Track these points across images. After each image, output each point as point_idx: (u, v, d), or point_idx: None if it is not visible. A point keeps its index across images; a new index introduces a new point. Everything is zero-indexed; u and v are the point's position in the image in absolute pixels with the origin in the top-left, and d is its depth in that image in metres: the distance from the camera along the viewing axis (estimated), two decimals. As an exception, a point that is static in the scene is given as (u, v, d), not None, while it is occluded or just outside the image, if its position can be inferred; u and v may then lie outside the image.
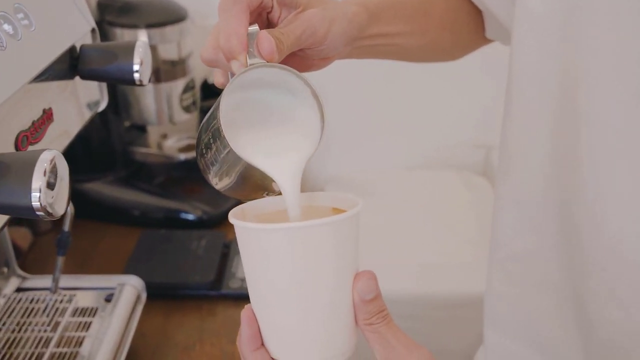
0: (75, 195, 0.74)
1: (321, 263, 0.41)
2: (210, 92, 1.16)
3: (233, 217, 0.44)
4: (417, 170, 1.41)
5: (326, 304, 0.42)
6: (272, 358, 0.44)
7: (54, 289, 0.68)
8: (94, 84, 0.62)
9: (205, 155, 0.48)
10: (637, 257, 0.47)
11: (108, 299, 0.72)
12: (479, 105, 1.42)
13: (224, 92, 0.44)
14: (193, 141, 1.12)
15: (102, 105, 0.64)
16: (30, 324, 0.66)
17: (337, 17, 0.50)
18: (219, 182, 0.49)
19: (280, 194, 0.46)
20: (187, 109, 1.03)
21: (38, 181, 0.35)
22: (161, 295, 0.85)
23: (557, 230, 0.55)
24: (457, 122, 1.44)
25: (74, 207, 0.69)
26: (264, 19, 0.51)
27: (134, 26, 0.95)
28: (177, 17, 0.98)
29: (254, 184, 0.47)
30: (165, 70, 1.00)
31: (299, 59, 0.51)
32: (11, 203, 0.35)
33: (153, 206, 1.03)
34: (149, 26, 0.96)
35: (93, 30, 0.61)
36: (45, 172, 0.36)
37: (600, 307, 0.50)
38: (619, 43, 0.46)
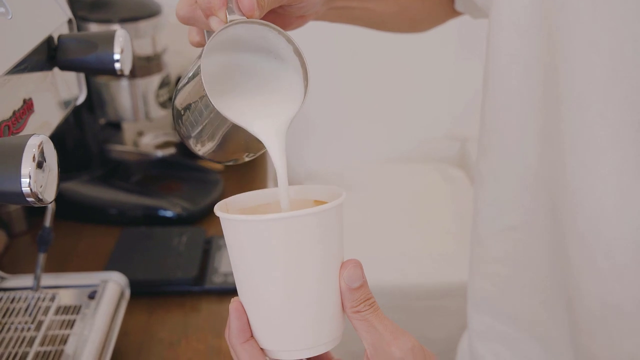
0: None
1: (308, 253, 0.42)
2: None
3: (219, 209, 0.44)
4: (395, 163, 1.42)
5: (314, 293, 0.42)
6: (261, 348, 0.44)
7: (35, 287, 0.66)
8: (72, 77, 0.61)
9: (186, 120, 0.47)
10: (614, 229, 0.48)
11: (91, 296, 0.70)
12: (453, 99, 1.44)
13: (204, 51, 0.43)
14: (170, 138, 1.11)
15: (81, 98, 0.63)
16: (12, 323, 0.64)
17: None
18: (202, 147, 0.48)
19: (260, 153, 0.46)
20: (163, 105, 1.02)
21: (27, 166, 0.35)
22: (144, 293, 0.84)
23: (538, 206, 0.56)
24: (432, 115, 1.46)
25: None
26: None
27: (108, 21, 0.94)
28: (151, 12, 0.97)
29: (237, 146, 0.46)
30: (140, 66, 0.99)
31: (276, 17, 0.50)
32: (1, 189, 0.35)
33: (131, 204, 1.02)
34: (123, 21, 0.94)
35: (70, 21, 0.60)
36: (34, 157, 0.35)
37: (581, 279, 0.51)
38: (595, 20, 0.47)
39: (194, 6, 0.45)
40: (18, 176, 0.34)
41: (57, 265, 0.91)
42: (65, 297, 0.70)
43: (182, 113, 0.47)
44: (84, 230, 1.00)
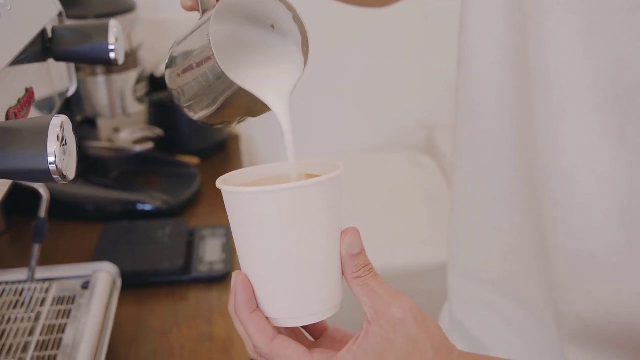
0: (30, 195, 0.73)
1: (313, 222, 0.43)
2: (158, 86, 1.16)
3: (222, 183, 0.46)
4: (366, 153, 1.46)
5: (320, 261, 0.44)
6: (266, 318, 0.45)
7: (30, 278, 0.67)
8: (63, 69, 0.62)
9: (186, 87, 0.48)
10: (586, 188, 0.51)
11: (85, 287, 0.71)
12: (421, 89, 1.48)
13: (212, 16, 0.43)
14: (147, 133, 1.11)
15: (72, 90, 0.64)
16: (12, 315, 0.65)
17: None
18: (200, 111, 0.49)
19: (258, 114, 0.48)
20: (140, 100, 1.03)
21: (53, 145, 0.36)
22: (132, 285, 0.85)
23: (516, 175, 0.60)
24: (401, 105, 1.50)
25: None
26: None
27: (83, 17, 0.94)
28: (125, 8, 0.98)
29: (238, 110, 0.48)
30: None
31: None
32: (27, 167, 0.36)
33: (111, 200, 1.02)
34: (98, 17, 0.95)
35: (60, 14, 0.61)
36: (58, 136, 0.37)
37: (557, 235, 0.55)
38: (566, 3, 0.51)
39: None
40: (44, 155, 0.36)
41: (41, 264, 0.91)
42: (59, 288, 0.71)
43: (181, 80, 0.48)
44: (64, 228, 1.00)
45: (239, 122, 0.51)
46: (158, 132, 1.11)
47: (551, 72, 0.52)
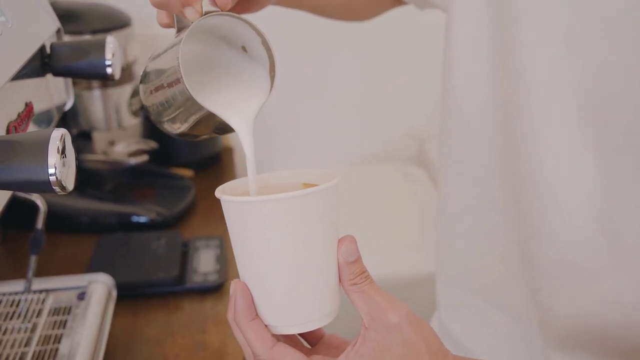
0: (25, 207, 0.74)
1: (312, 230, 0.45)
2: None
3: (221, 193, 0.47)
4: (358, 165, 1.47)
5: (318, 268, 0.45)
6: (265, 326, 0.46)
7: (27, 289, 0.68)
8: (60, 84, 0.64)
9: (158, 105, 0.49)
10: (567, 196, 0.53)
11: (81, 297, 0.73)
12: (410, 102, 1.51)
13: (183, 40, 0.45)
14: (142, 146, 1.13)
15: (69, 104, 0.66)
16: (8, 325, 0.66)
17: None
18: (173, 127, 0.50)
19: (228, 132, 0.50)
20: (135, 113, 1.04)
21: (53, 157, 0.38)
22: (127, 295, 0.86)
23: (500, 183, 0.61)
24: (392, 117, 1.52)
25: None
26: None
27: (79, 33, 0.96)
28: (121, 24, 1.00)
29: (208, 127, 0.49)
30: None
31: (238, 2, 0.52)
32: (28, 179, 0.37)
33: (106, 212, 1.03)
34: (94, 32, 0.97)
35: (58, 31, 0.62)
36: (58, 148, 0.38)
37: (540, 243, 0.56)
38: (545, 14, 0.53)
39: None
40: (45, 166, 0.37)
41: (38, 275, 0.92)
42: (55, 299, 0.72)
43: (154, 97, 0.49)
44: (60, 240, 1.01)
45: (216, 135, 0.53)
46: (153, 145, 1.13)
47: (532, 85, 0.54)
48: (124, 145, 1.10)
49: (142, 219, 1.03)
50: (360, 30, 1.43)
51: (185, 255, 0.94)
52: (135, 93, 1.04)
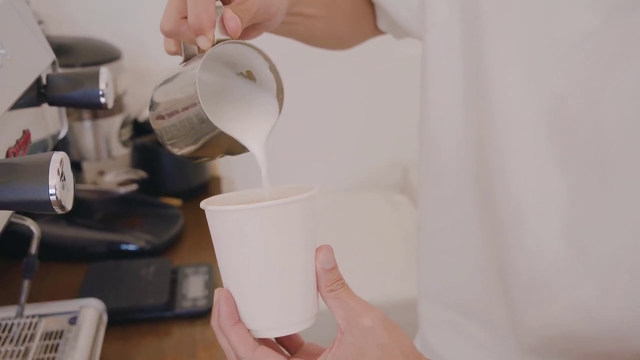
0: (13, 237, 0.76)
1: (293, 237, 0.47)
2: (142, 130, 1.20)
3: (207, 205, 0.49)
4: (342, 192, 1.50)
5: (298, 275, 0.48)
6: (248, 330, 0.48)
7: (19, 314, 0.69)
8: (55, 113, 0.67)
9: (170, 127, 0.51)
10: (536, 213, 0.57)
11: (72, 322, 0.74)
12: (393, 131, 1.55)
13: (199, 66, 0.47)
14: (131, 175, 1.15)
15: (62, 133, 0.68)
16: (1, 351, 0.67)
17: None
18: (184, 148, 0.52)
19: (237, 154, 0.52)
20: (125, 143, 1.07)
21: (54, 178, 0.40)
22: (117, 321, 0.87)
23: (474, 204, 0.65)
24: (375, 147, 1.56)
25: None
26: None
27: (71, 65, 0.99)
28: (111, 57, 1.03)
29: (219, 149, 0.52)
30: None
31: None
32: (30, 199, 0.40)
33: (96, 240, 1.05)
34: (85, 65, 1.00)
35: (53, 63, 0.65)
36: (58, 170, 0.41)
37: (512, 261, 0.59)
38: (512, 43, 0.57)
39: (180, 22, 0.49)
40: (46, 187, 0.40)
41: (28, 302, 0.93)
42: (47, 324, 0.73)
43: (165, 121, 0.52)
44: (49, 269, 1.02)
45: (219, 158, 0.56)
46: (142, 174, 1.15)
47: (501, 110, 0.58)
48: (113, 175, 1.12)
49: (132, 247, 1.04)
50: (346, 62, 1.47)
51: (174, 282, 0.96)
52: (125, 124, 1.07)
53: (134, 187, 1.09)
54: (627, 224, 0.51)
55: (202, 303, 0.91)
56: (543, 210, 0.56)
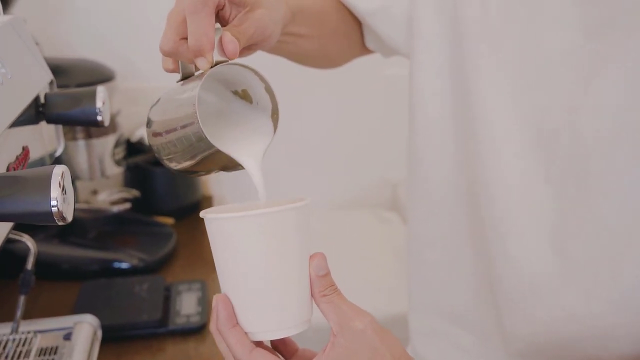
0: (9, 255, 0.76)
1: (288, 244, 0.49)
2: (135, 150, 1.22)
3: (207, 214, 0.51)
4: (335, 210, 1.52)
5: (293, 280, 0.50)
6: (245, 333, 0.50)
7: (15, 329, 0.70)
8: (52, 131, 0.68)
9: (167, 144, 0.53)
10: (521, 222, 0.59)
11: (67, 338, 0.75)
12: (383, 149, 1.57)
13: (199, 87, 0.49)
14: (124, 194, 1.16)
15: (59, 150, 0.70)
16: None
17: (279, 18, 0.57)
18: (180, 164, 0.54)
19: (232, 170, 0.54)
20: (118, 163, 1.08)
21: (55, 191, 0.42)
22: (111, 338, 0.88)
23: (462, 216, 0.67)
24: (366, 166, 1.58)
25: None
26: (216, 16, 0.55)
27: (65, 86, 1.00)
28: (105, 78, 1.05)
29: (214, 165, 0.53)
30: (96, 128, 1.05)
31: None
32: (32, 210, 0.41)
33: (89, 259, 1.06)
34: (79, 86, 1.01)
35: (51, 82, 0.67)
36: (59, 183, 0.42)
37: (499, 269, 0.61)
38: (496, 60, 0.59)
39: (179, 43, 0.51)
40: (48, 199, 0.41)
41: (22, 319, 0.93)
42: (42, 340, 0.74)
43: (163, 138, 0.53)
44: (42, 287, 1.03)
45: (215, 173, 0.57)
46: (135, 193, 1.16)
47: (487, 123, 0.60)
48: (106, 194, 1.13)
49: (125, 265, 1.05)
50: (336, 83, 1.50)
51: (167, 299, 0.97)
52: (118, 143, 1.08)
53: (127, 205, 1.10)
54: (607, 232, 0.53)
55: (195, 319, 0.92)
56: (528, 220, 0.58)
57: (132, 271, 1.04)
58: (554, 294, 0.57)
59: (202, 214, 0.51)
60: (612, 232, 0.53)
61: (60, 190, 0.42)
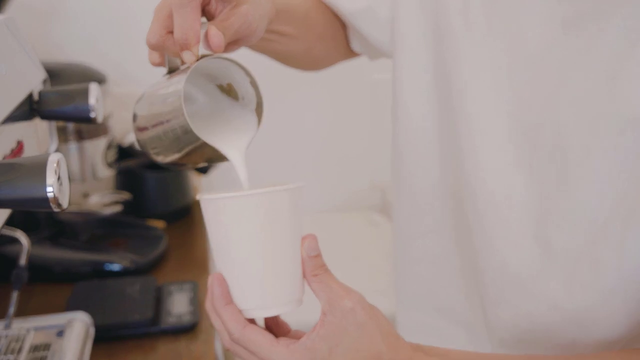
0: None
1: (282, 224, 0.51)
2: (125, 154, 1.23)
3: (204, 195, 0.52)
4: (326, 213, 1.54)
5: (286, 258, 0.51)
6: (240, 311, 0.51)
7: (8, 324, 0.71)
8: (45, 130, 0.69)
9: (153, 137, 0.54)
10: (504, 212, 0.60)
11: (60, 335, 0.75)
12: (372, 155, 1.59)
13: (185, 80, 0.50)
14: (116, 197, 1.17)
15: (53, 148, 0.71)
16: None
17: (264, 14, 0.58)
18: (166, 157, 0.55)
19: (217, 162, 0.55)
20: (110, 165, 1.09)
21: (51, 177, 0.43)
22: (103, 338, 0.88)
23: (446, 210, 0.68)
24: (356, 171, 1.60)
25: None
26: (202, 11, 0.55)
27: (57, 90, 1.02)
28: (96, 81, 1.06)
29: (200, 157, 0.54)
30: (88, 130, 1.06)
31: None
32: (29, 196, 0.42)
33: (80, 261, 1.06)
34: (71, 90, 1.02)
35: (44, 81, 0.68)
36: (55, 170, 0.43)
37: (483, 260, 0.63)
38: (478, 54, 0.61)
39: (165, 37, 0.52)
40: (44, 185, 0.42)
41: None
42: (35, 337, 0.74)
43: (150, 132, 0.54)
44: (33, 290, 1.03)
45: (200, 166, 0.58)
46: (126, 195, 1.17)
47: (470, 117, 0.62)
48: (97, 197, 1.14)
49: (116, 267, 1.06)
50: (326, 89, 1.52)
51: (159, 299, 0.97)
52: (110, 146, 1.09)
53: (118, 207, 1.11)
54: (588, 221, 0.55)
55: (187, 319, 0.93)
56: (510, 212, 0.59)
57: (124, 273, 1.05)
58: (537, 283, 0.58)
59: (198, 196, 0.52)
60: (593, 221, 0.54)
61: (56, 177, 0.43)
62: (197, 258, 1.15)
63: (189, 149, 0.53)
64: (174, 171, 1.23)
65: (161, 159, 0.57)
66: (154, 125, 0.54)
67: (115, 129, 1.16)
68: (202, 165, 0.58)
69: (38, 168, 0.43)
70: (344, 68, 1.41)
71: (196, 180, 1.34)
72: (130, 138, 1.23)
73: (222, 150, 0.53)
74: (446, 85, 0.65)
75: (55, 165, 0.43)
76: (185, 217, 1.30)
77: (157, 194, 1.24)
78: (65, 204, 0.45)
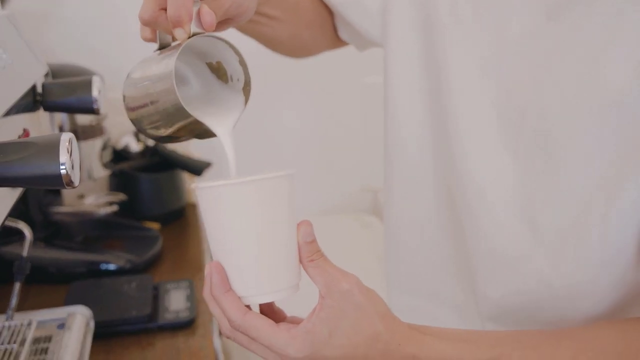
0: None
1: (278, 210, 0.52)
2: (120, 158, 1.24)
3: (200, 183, 0.53)
4: (319, 215, 1.55)
5: (283, 245, 0.52)
6: (239, 297, 0.52)
7: (10, 316, 0.71)
8: (46, 121, 0.70)
9: (145, 113, 0.55)
10: (493, 195, 0.62)
11: (60, 327, 0.76)
12: (364, 157, 1.61)
13: (175, 58, 0.51)
14: (112, 197, 1.18)
15: (54, 141, 0.72)
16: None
17: None
18: (157, 132, 0.56)
19: (204, 138, 0.56)
20: (106, 166, 1.10)
21: (64, 156, 0.44)
22: (100, 335, 0.89)
23: (437, 197, 0.70)
24: (348, 174, 1.62)
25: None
26: None
27: (54, 91, 1.02)
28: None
29: (189, 133, 0.56)
30: (83, 131, 1.07)
31: None
32: (42, 173, 0.44)
33: (76, 261, 1.07)
34: (67, 90, 1.03)
35: (47, 74, 0.69)
36: (68, 149, 0.45)
37: (473, 242, 0.65)
38: (465, 42, 0.63)
39: (158, 13, 0.53)
40: (57, 163, 0.44)
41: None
42: (36, 330, 0.75)
43: (142, 109, 0.55)
44: (30, 292, 1.03)
45: (187, 140, 0.60)
46: (122, 196, 1.17)
47: (456, 105, 0.64)
48: (93, 198, 1.14)
49: (112, 267, 1.06)
50: (317, 92, 1.54)
51: (156, 296, 0.98)
52: (106, 146, 1.10)
53: (113, 208, 1.12)
54: (572, 199, 0.57)
55: (184, 315, 0.93)
56: (497, 190, 0.61)
57: (120, 272, 1.06)
58: (525, 261, 0.60)
59: (193, 185, 0.53)
60: (578, 201, 0.56)
61: (68, 154, 0.44)
62: (192, 259, 1.16)
63: (179, 126, 0.54)
64: (168, 172, 1.23)
65: (152, 132, 0.57)
66: (145, 103, 0.55)
67: (111, 128, 1.17)
68: (194, 138, 0.58)
69: (51, 146, 0.44)
70: (335, 71, 1.43)
71: (190, 182, 1.35)
72: (124, 142, 1.24)
73: (211, 128, 0.54)
74: (435, 75, 0.67)
75: (67, 143, 0.45)
76: (180, 219, 1.31)
77: (152, 197, 1.25)
78: (77, 182, 0.46)
